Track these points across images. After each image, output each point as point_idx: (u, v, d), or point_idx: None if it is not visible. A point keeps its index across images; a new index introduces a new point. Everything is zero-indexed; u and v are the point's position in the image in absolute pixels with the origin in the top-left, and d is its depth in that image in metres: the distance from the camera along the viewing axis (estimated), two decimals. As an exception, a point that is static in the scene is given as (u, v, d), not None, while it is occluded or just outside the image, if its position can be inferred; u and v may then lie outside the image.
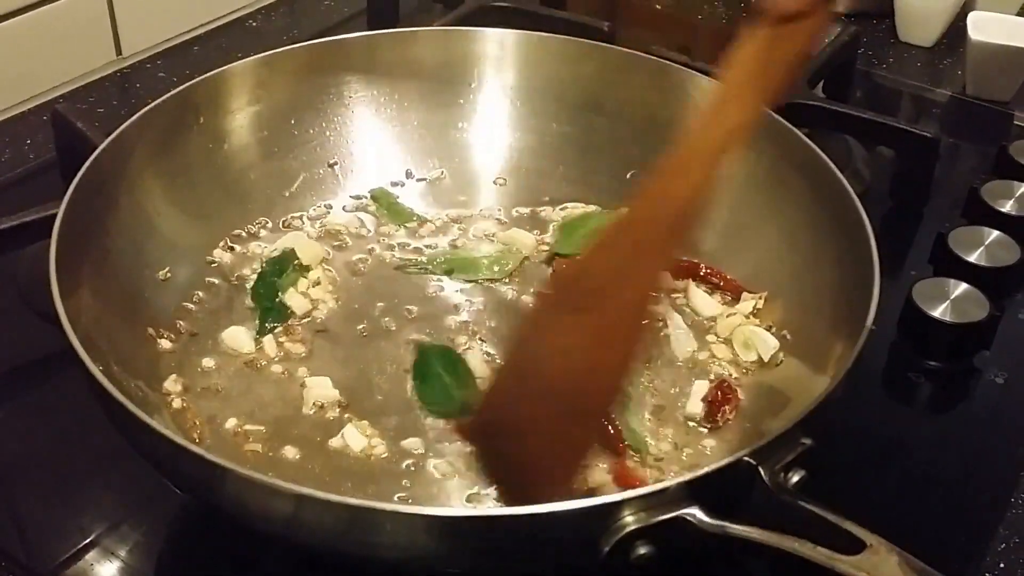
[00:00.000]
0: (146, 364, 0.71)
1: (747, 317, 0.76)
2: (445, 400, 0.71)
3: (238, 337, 0.74)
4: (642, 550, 0.52)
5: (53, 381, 0.75)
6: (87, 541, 0.65)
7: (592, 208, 0.87)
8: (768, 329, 0.75)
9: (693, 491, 0.53)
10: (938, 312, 0.79)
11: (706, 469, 0.54)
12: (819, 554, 0.50)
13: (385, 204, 0.87)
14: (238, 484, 0.54)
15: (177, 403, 0.70)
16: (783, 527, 0.52)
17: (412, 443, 0.68)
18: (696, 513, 0.52)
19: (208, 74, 0.82)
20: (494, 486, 0.61)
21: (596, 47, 0.90)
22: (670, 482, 0.53)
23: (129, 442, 0.59)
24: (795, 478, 0.54)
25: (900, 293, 0.81)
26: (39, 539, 0.67)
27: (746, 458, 0.54)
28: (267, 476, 0.54)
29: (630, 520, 0.52)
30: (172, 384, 0.71)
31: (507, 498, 0.59)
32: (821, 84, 1.06)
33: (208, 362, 0.73)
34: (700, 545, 0.52)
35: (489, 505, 0.64)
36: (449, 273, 0.81)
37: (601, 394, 0.55)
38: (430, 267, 0.81)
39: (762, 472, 0.54)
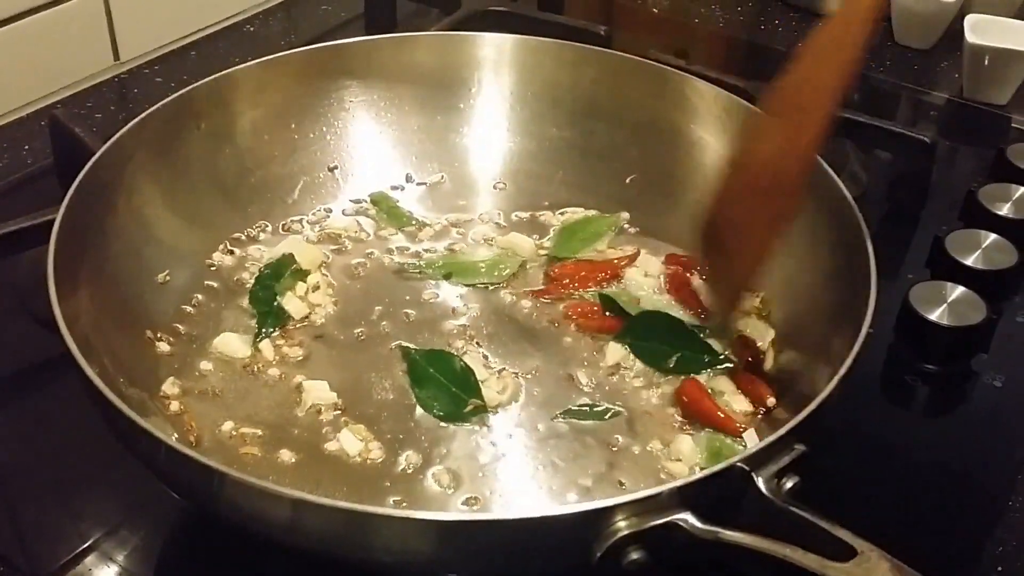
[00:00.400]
0: (144, 368, 0.71)
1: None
2: (447, 401, 0.71)
3: (230, 343, 0.74)
4: (634, 555, 0.52)
5: (52, 386, 0.76)
6: (85, 546, 0.66)
7: (592, 213, 0.87)
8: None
9: (685, 497, 0.53)
10: (935, 315, 0.79)
11: (699, 475, 0.54)
12: (810, 560, 0.50)
13: (384, 208, 0.87)
14: (234, 488, 0.54)
15: (174, 406, 0.70)
16: (776, 533, 0.52)
17: (408, 447, 0.68)
18: (688, 519, 0.52)
19: (206, 79, 0.82)
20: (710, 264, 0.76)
21: (594, 52, 0.90)
22: (662, 487, 0.53)
23: (126, 446, 0.60)
24: (789, 484, 0.54)
25: (897, 296, 0.81)
26: (37, 544, 0.67)
27: (739, 464, 0.54)
28: (263, 480, 0.54)
29: (623, 525, 0.52)
30: (170, 387, 0.71)
31: (717, 274, 0.75)
32: (819, 87, 1.05)
33: (206, 365, 0.73)
34: (692, 551, 0.53)
35: (484, 509, 0.64)
36: (448, 277, 0.81)
37: (796, 174, 0.69)
38: (428, 271, 0.82)
39: (755, 478, 0.54)
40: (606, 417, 0.70)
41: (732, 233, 0.72)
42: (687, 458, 0.67)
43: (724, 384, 0.72)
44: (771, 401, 0.70)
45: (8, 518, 0.70)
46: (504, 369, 0.73)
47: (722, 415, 0.69)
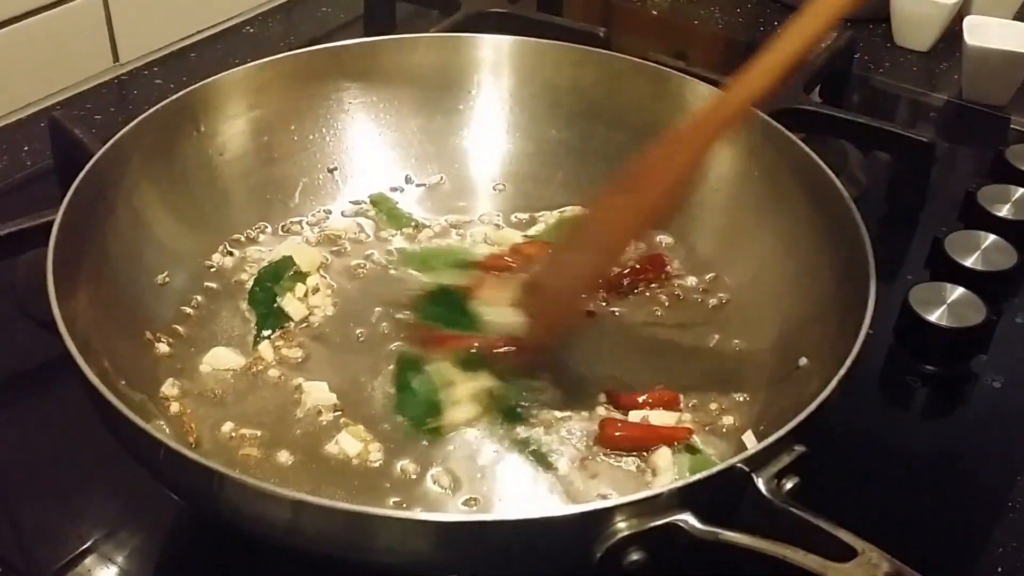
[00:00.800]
0: (144, 369, 0.71)
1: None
2: (413, 407, 0.70)
3: (222, 356, 0.74)
4: (634, 556, 0.52)
5: (51, 388, 0.75)
6: (85, 547, 0.66)
7: None
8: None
9: (685, 497, 0.53)
10: (935, 317, 0.79)
11: (699, 476, 0.54)
12: (811, 561, 0.50)
13: (384, 209, 0.87)
14: (233, 490, 0.54)
15: (174, 407, 0.70)
16: (776, 534, 0.52)
17: (408, 448, 0.68)
18: (688, 519, 0.52)
19: (205, 81, 0.82)
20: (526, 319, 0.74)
21: (593, 53, 0.90)
22: (662, 488, 0.53)
23: (125, 447, 0.60)
24: (789, 485, 0.54)
25: (897, 298, 0.81)
26: (37, 545, 0.67)
27: (739, 465, 0.54)
28: (262, 481, 0.54)
29: (622, 526, 0.52)
30: (169, 388, 0.71)
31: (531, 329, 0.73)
32: (817, 89, 1.06)
33: (205, 368, 0.73)
34: (692, 552, 0.53)
35: (484, 510, 0.64)
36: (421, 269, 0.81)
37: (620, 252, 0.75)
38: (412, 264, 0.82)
39: (755, 479, 0.54)
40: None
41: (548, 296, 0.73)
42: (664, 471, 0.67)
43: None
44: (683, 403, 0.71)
45: (8, 519, 0.70)
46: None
47: (663, 429, 0.69)
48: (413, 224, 0.86)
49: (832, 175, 0.74)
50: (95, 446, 0.65)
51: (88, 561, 0.65)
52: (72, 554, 0.65)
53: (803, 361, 0.70)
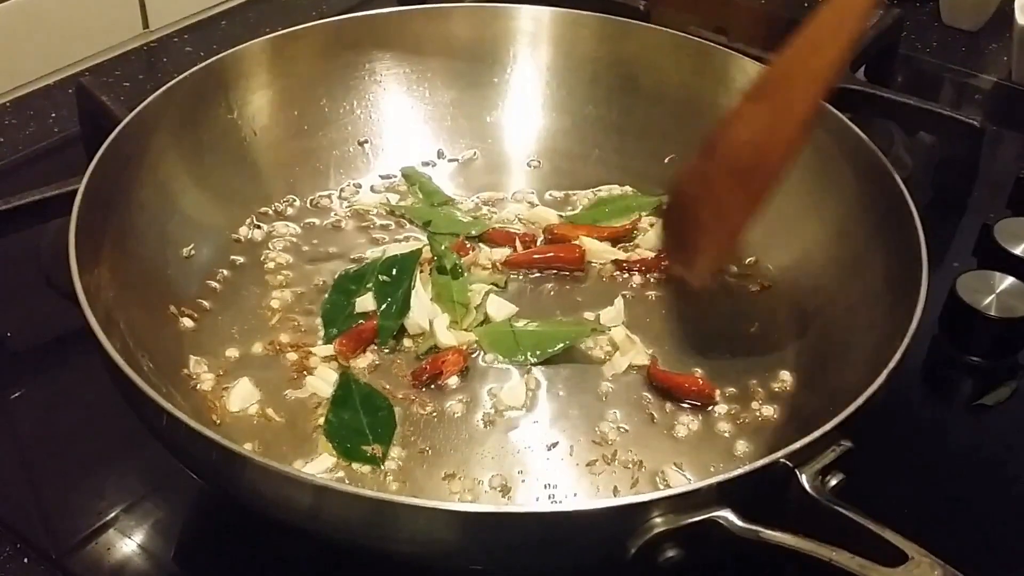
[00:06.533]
0: (167, 344, 0.70)
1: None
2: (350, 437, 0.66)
3: (242, 395, 0.68)
4: (670, 553, 0.50)
5: (74, 360, 0.74)
6: (103, 522, 0.65)
7: (627, 189, 0.85)
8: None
9: (725, 493, 0.51)
10: (982, 306, 0.77)
11: (740, 470, 0.52)
12: (856, 565, 0.48)
13: (416, 183, 0.85)
14: (254, 472, 0.53)
15: (198, 384, 0.68)
16: (819, 534, 0.50)
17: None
18: (728, 516, 0.50)
19: (233, 49, 0.81)
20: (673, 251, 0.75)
21: (634, 26, 0.88)
22: (702, 483, 0.51)
23: (144, 424, 0.58)
24: (833, 482, 0.52)
25: (943, 286, 0.79)
26: (59, 519, 0.66)
27: (783, 459, 0.52)
28: (284, 465, 0.52)
29: (659, 521, 0.50)
30: (194, 365, 0.69)
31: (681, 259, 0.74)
32: (863, 68, 1.03)
33: (232, 352, 0.71)
34: (730, 550, 0.51)
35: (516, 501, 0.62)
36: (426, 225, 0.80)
37: (777, 159, 0.68)
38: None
39: (799, 475, 0.52)
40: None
41: (703, 212, 0.70)
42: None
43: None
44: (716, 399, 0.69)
45: (28, 493, 0.68)
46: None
47: (693, 386, 0.68)
48: (445, 200, 0.84)
49: (882, 156, 0.72)
50: (117, 420, 0.63)
51: (106, 537, 0.64)
52: (92, 527, 0.64)
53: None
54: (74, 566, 0.63)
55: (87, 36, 1.03)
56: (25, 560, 0.63)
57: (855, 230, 0.73)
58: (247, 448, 0.63)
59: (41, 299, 0.78)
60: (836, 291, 0.73)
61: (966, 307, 0.77)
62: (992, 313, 0.77)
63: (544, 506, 0.51)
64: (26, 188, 0.78)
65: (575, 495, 0.62)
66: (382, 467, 0.64)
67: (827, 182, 0.76)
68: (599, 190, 0.85)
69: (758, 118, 0.68)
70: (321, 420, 0.67)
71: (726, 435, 0.67)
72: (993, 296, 0.78)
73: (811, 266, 0.75)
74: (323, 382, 0.68)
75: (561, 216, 0.83)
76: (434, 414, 0.67)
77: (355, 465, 0.64)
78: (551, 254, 0.79)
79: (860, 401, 0.54)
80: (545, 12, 0.88)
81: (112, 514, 0.65)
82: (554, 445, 0.66)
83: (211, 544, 0.65)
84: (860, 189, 0.73)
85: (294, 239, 0.80)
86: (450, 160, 0.87)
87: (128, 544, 0.63)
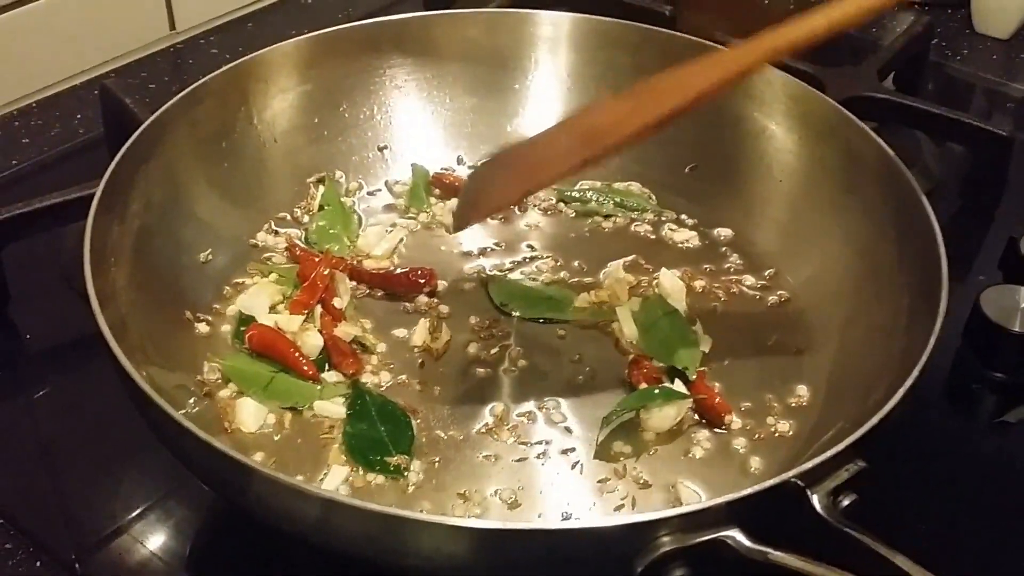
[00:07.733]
0: (183, 350, 0.70)
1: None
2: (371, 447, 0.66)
3: (248, 416, 0.67)
4: (678, 572, 0.50)
5: (95, 362, 0.73)
6: (116, 527, 0.65)
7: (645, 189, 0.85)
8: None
9: (735, 512, 0.50)
10: (1007, 322, 0.76)
11: (749, 489, 0.51)
12: (867, 590, 0.47)
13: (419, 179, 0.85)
14: (262, 484, 0.53)
15: (211, 391, 0.68)
16: (829, 556, 0.49)
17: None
18: (736, 536, 0.50)
19: (255, 53, 0.81)
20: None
21: (655, 32, 0.87)
22: (711, 502, 0.50)
23: (154, 432, 0.58)
24: (845, 502, 0.51)
25: (967, 299, 0.78)
26: (77, 521, 0.66)
27: (794, 479, 0.51)
28: (292, 478, 0.52)
29: (667, 540, 0.50)
30: (208, 372, 0.69)
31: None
32: (891, 76, 1.02)
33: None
34: (739, 570, 0.50)
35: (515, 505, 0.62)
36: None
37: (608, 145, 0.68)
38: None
39: (810, 495, 0.51)
40: None
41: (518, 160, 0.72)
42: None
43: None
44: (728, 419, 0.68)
45: (43, 496, 0.68)
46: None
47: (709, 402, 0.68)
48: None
49: (904, 168, 0.71)
50: (135, 423, 0.63)
51: (121, 541, 0.64)
52: (105, 533, 0.64)
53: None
54: (88, 569, 0.63)
55: (113, 37, 1.03)
56: (38, 564, 0.63)
57: (876, 244, 0.72)
58: (257, 458, 0.63)
59: (63, 301, 0.78)
60: (856, 304, 0.72)
61: (989, 322, 0.76)
62: (1016, 329, 0.75)
63: (552, 523, 0.50)
64: (51, 189, 0.78)
65: (588, 510, 0.61)
66: (405, 477, 0.63)
67: (848, 193, 0.75)
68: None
69: (616, 108, 0.69)
70: (336, 432, 0.66)
71: (741, 451, 0.66)
72: (1019, 311, 0.76)
73: (831, 278, 0.74)
74: (331, 404, 0.68)
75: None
76: (448, 428, 0.67)
77: (369, 476, 0.64)
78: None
79: (875, 420, 0.54)
80: (566, 18, 0.87)
81: (127, 518, 0.65)
82: (566, 460, 0.65)
83: (225, 550, 0.65)
84: (882, 202, 0.72)
85: (311, 245, 0.80)
86: (469, 167, 0.87)
87: (142, 549, 0.64)
